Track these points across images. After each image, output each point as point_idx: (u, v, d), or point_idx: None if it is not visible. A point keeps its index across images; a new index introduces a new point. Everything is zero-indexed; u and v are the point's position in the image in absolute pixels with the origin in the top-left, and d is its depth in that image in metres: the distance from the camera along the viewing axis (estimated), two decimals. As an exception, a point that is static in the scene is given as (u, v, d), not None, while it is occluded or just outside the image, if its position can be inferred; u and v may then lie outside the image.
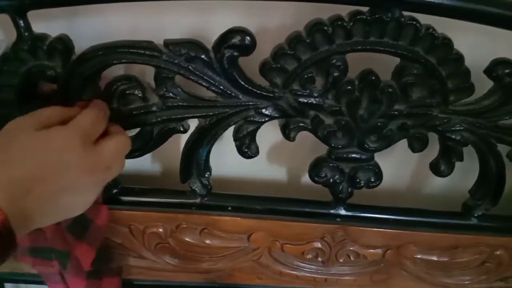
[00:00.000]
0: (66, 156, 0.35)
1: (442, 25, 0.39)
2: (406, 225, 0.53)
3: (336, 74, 0.42)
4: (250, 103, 0.44)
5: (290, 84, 0.42)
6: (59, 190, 0.35)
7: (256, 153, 0.47)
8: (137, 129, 0.46)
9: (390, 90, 0.43)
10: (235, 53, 0.40)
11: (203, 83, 0.42)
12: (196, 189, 0.49)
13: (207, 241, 0.54)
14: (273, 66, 0.41)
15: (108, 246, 0.54)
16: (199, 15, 0.45)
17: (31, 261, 0.54)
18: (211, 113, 0.44)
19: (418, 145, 0.47)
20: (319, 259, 0.56)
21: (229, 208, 0.51)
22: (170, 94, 0.43)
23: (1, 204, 0.31)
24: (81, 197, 0.38)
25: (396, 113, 0.44)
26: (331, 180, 0.49)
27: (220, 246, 0.55)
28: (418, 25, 0.39)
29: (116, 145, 0.40)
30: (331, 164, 0.48)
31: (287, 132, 0.45)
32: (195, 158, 0.47)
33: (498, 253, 0.55)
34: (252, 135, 0.45)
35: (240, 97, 0.43)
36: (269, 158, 0.57)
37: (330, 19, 0.39)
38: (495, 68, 0.42)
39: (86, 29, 0.45)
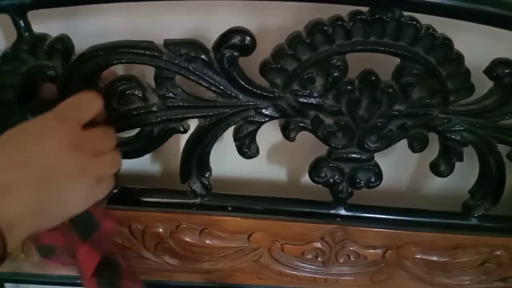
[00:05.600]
0: (52, 163, 0.35)
1: (442, 25, 0.39)
2: (406, 225, 0.53)
3: (336, 74, 0.41)
4: (250, 103, 0.44)
5: (290, 84, 0.42)
6: (41, 195, 0.34)
7: (256, 153, 0.47)
8: (137, 129, 0.46)
9: (390, 90, 0.43)
10: (235, 53, 0.40)
11: (203, 83, 0.42)
12: (196, 189, 0.49)
13: (207, 241, 0.54)
14: (273, 66, 0.41)
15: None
16: (199, 15, 0.45)
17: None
18: (211, 113, 0.44)
19: (418, 145, 0.47)
20: (319, 259, 0.56)
21: (229, 208, 0.51)
22: (170, 94, 0.43)
23: None
24: (73, 200, 0.37)
25: (396, 113, 0.44)
26: (331, 180, 0.49)
27: (220, 246, 0.55)
28: (418, 25, 0.39)
29: (110, 161, 0.40)
30: (331, 164, 0.48)
31: (287, 132, 0.45)
32: (195, 158, 0.47)
33: (498, 253, 0.55)
34: (252, 135, 0.45)
35: (240, 97, 0.43)
36: (269, 158, 0.57)
37: (330, 19, 0.39)
38: (495, 68, 0.42)
39: (86, 29, 0.45)
